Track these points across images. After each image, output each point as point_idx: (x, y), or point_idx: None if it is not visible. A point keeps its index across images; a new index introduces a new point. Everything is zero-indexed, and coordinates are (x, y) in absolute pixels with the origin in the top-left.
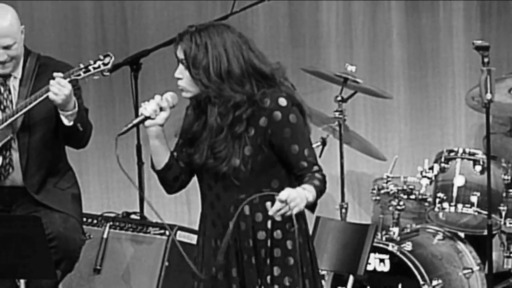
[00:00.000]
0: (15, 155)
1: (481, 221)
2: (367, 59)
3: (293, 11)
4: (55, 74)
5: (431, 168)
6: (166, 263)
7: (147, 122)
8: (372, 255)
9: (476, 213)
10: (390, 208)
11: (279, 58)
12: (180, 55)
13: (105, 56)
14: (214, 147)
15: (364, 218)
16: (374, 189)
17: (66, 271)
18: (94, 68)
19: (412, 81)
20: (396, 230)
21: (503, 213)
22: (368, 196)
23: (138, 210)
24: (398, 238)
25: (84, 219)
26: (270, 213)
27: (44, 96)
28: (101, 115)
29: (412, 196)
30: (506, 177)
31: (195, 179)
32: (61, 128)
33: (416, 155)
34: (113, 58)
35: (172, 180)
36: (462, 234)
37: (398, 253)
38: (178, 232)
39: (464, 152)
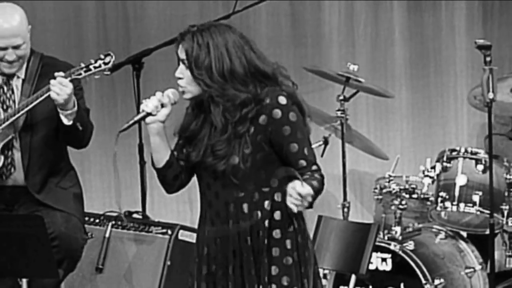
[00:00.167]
0: (17, 155)
1: (483, 220)
2: (369, 58)
3: (295, 10)
4: (56, 74)
5: (433, 167)
6: (168, 263)
7: (148, 119)
8: (374, 254)
9: (478, 212)
10: (392, 207)
11: (281, 58)
12: (182, 54)
13: (105, 55)
14: (215, 146)
15: (366, 217)
16: (376, 188)
17: (68, 271)
18: (95, 68)
19: (414, 80)
20: (398, 229)
21: (505, 212)
22: (370, 195)
23: (140, 209)
24: (400, 237)
25: (86, 218)
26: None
27: (46, 95)
28: (103, 114)
29: (414, 195)
30: (508, 176)
31: (196, 178)
32: (60, 128)
33: (418, 154)
34: (113, 58)
35: (172, 178)
36: (464, 233)
37: (400, 252)
38: (180, 231)
39: (466, 151)
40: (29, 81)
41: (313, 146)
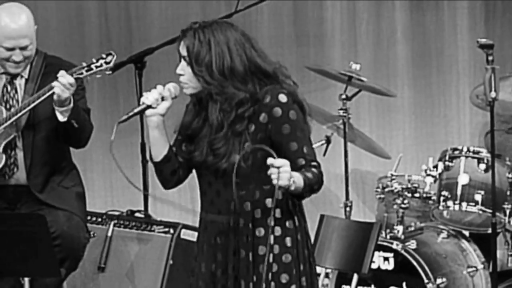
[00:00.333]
0: (20, 154)
1: (485, 219)
2: (372, 57)
3: (297, 9)
4: (61, 72)
5: (436, 167)
6: (171, 262)
7: (148, 112)
8: (376, 253)
9: (480, 212)
10: (395, 206)
11: (284, 57)
12: (183, 51)
13: (107, 55)
14: (213, 144)
15: (368, 217)
16: (378, 187)
17: (70, 270)
18: (97, 67)
19: (417, 79)
20: (400, 228)
21: (508, 212)
22: (373, 194)
23: (142, 208)
24: (403, 237)
25: (88, 218)
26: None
27: (48, 94)
28: (105, 113)
29: (417, 195)
30: (510, 175)
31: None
32: (58, 126)
33: (421, 153)
34: (115, 57)
35: (169, 174)
36: (466, 233)
37: (402, 251)
38: (183, 230)
39: (468, 150)
40: (33, 81)
41: (315, 145)
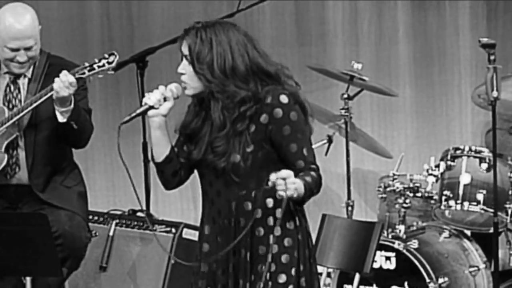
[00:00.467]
0: (22, 154)
1: (487, 219)
2: (373, 57)
3: (299, 9)
4: (63, 71)
5: (437, 166)
6: (172, 261)
7: (151, 112)
8: (378, 252)
9: (482, 211)
10: (396, 206)
11: (286, 56)
12: (185, 50)
13: (109, 55)
14: (214, 143)
15: (370, 216)
16: (380, 187)
17: (72, 269)
18: (99, 67)
19: (418, 79)
20: (402, 228)
21: (509, 211)
22: (374, 194)
23: (144, 207)
24: (404, 236)
25: (90, 217)
26: (269, 183)
27: (50, 94)
28: (107, 112)
29: (418, 194)
30: None
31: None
32: (58, 126)
33: (422, 153)
34: (117, 57)
35: (171, 174)
36: (468, 232)
37: (404, 251)
38: (184, 229)
39: (470, 150)
40: (36, 80)
41: (317, 144)
